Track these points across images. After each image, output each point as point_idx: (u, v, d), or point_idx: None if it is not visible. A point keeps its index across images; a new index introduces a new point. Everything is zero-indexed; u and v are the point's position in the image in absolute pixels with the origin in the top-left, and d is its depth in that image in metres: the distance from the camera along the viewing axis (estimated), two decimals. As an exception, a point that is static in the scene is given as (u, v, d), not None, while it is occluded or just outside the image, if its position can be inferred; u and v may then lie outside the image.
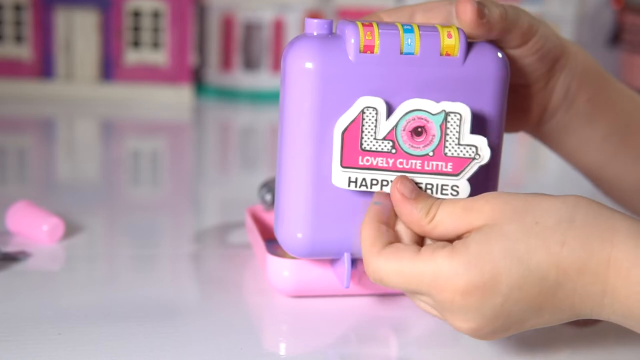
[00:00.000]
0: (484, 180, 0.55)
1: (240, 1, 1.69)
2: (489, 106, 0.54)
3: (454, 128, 0.52)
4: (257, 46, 1.72)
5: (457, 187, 0.52)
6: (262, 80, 1.71)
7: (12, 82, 1.56)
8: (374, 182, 0.53)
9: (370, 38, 0.52)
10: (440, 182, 0.52)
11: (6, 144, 1.23)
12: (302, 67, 0.52)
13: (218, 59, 1.71)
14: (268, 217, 0.71)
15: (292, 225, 0.55)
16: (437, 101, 0.52)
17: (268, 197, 0.70)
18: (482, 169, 0.53)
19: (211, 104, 1.65)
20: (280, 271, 0.59)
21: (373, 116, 0.52)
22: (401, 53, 0.53)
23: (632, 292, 0.45)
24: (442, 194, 0.52)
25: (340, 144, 0.52)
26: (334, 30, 0.55)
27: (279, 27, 1.69)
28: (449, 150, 0.52)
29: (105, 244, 0.75)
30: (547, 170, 1.22)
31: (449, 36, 0.53)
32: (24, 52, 1.57)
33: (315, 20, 0.54)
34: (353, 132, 0.52)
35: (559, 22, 1.70)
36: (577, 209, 0.47)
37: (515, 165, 1.29)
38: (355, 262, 0.56)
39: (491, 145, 0.53)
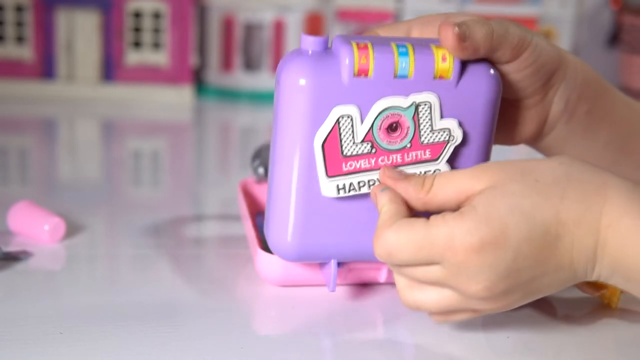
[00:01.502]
0: None
1: (241, 2, 1.69)
2: (480, 122, 0.55)
3: (426, 117, 0.54)
4: (258, 47, 1.72)
5: (439, 170, 0.55)
6: (262, 80, 1.71)
7: (13, 82, 1.56)
8: (362, 183, 0.54)
9: (365, 62, 0.53)
10: (422, 169, 0.55)
11: (8, 144, 1.23)
12: (296, 84, 0.53)
13: (218, 60, 1.72)
14: (258, 190, 0.72)
15: (282, 230, 0.56)
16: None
17: (261, 169, 0.71)
18: None
19: (211, 104, 1.65)
20: (269, 263, 0.61)
21: (349, 123, 0.53)
22: (395, 77, 0.53)
23: (620, 242, 0.48)
24: None
25: (322, 155, 0.54)
26: (329, 45, 0.55)
27: (279, 28, 1.69)
28: (425, 138, 0.54)
29: (106, 243, 0.75)
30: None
31: (444, 59, 0.54)
32: (25, 52, 1.57)
33: (311, 38, 0.54)
34: (332, 142, 0.53)
35: (558, 23, 1.70)
36: (572, 167, 0.50)
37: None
38: (341, 265, 0.58)
39: (480, 157, 0.56)
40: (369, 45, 0.53)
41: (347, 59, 0.53)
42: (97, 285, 0.62)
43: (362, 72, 0.53)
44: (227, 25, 1.71)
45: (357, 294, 0.61)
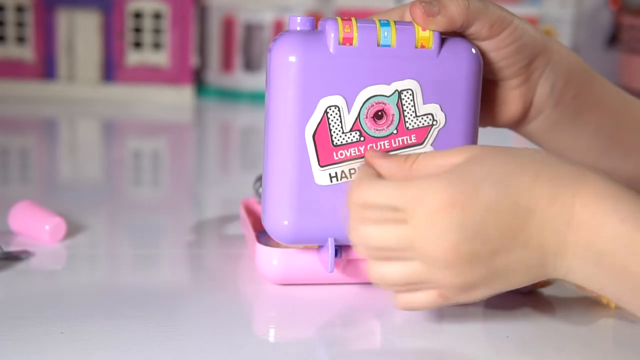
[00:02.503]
0: None
1: (241, 2, 1.69)
2: (463, 103, 0.57)
3: (409, 103, 0.57)
4: (258, 47, 1.72)
5: None
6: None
7: (14, 83, 1.57)
8: (352, 171, 0.57)
9: (349, 31, 0.56)
10: (409, 154, 0.56)
11: (8, 144, 1.23)
12: (286, 59, 0.55)
13: (219, 60, 1.72)
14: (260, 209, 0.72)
15: (278, 213, 0.57)
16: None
17: (262, 189, 0.71)
18: None
19: (212, 104, 1.65)
20: (269, 260, 0.61)
21: (336, 113, 0.56)
22: (378, 45, 0.56)
23: (595, 223, 0.47)
24: None
25: (314, 146, 0.56)
26: (316, 28, 0.58)
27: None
28: (410, 124, 0.57)
29: (107, 243, 0.76)
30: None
31: (424, 29, 0.56)
32: (26, 53, 1.57)
33: (298, 18, 0.57)
34: (322, 133, 0.56)
35: (558, 23, 1.70)
36: (550, 156, 0.50)
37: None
38: (339, 250, 0.58)
39: (467, 135, 0.57)
40: (353, 19, 0.57)
41: (332, 31, 0.55)
42: (98, 285, 0.63)
43: (347, 41, 0.55)
44: (227, 26, 1.71)
45: (355, 294, 0.61)
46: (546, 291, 0.63)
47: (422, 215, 0.48)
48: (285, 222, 0.57)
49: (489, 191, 0.48)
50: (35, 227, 0.70)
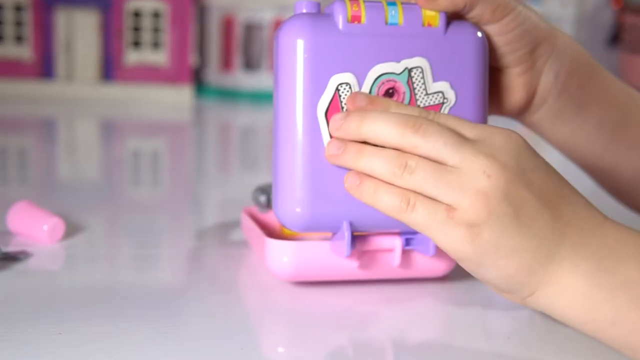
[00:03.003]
0: None
1: (241, 2, 1.69)
2: (472, 82, 0.58)
3: (420, 81, 0.57)
4: (257, 46, 1.72)
5: None
6: (262, 80, 1.71)
7: (12, 82, 1.56)
8: None
9: (357, 9, 0.56)
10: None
11: (7, 144, 1.23)
12: (294, 41, 0.55)
13: (218, 59, 1.72)
14: (263, 218, 0.71)
15: (290, 199, 0.56)
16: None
17: (262, 198, 0.71)
18: None
19: (211, 104, 1.65)
20: (280, 255, 0.60)
21: (348, 91, 0.56)
22: (386, 23, 0.56)
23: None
24: None
25: (327, 124, 0.55)
26: (322, 10, 0.58)
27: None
28: (421, 102, 0.57)
29: (106, 243, 0.75)
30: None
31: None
32: (25, 52, 1.57)
33: (304, 2, 0.57)
34: (334, 110, 0.56)
35: (559, 22, 1.70)
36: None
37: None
38: (354, 240, 0.57)
39: (477, 114, 0.58)
40: (360, 0, 0.57)
41: (340, 10, 0.56)
42: (97, 286, 0.62)
43: (355, 19, 0.56)
44: (227, 25, 1.71)
45: (360, 296, 0.61)
46: (550, 292, 0.62)
47: (495, 131, 0.50)
48: (298, 209, 0.56)
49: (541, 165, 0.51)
50: (34, 227, 0.70)
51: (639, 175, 0.66)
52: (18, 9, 1.56)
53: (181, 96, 1.61)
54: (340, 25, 0.56)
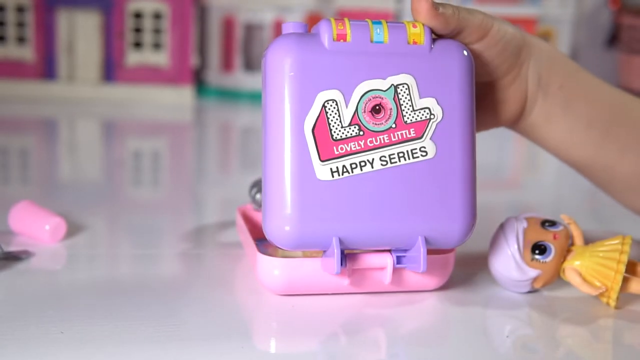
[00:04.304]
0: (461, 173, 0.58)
1: (241, 2, 1.69)
2: (458, 99, 0.58)
3: (406, 97, 0.57)
4: (258, 47, 1.73)
5: (425, 147, 0.57)
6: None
7: (14, 83, 1.57)
8: (353, 165, 0.56)
9: (342, 28, 0.57)
10: (409, 148, 0.57)
11: (9, 144, 1.23)
12: (281, 59, 0.56)
13: (219, 60, 1.72)
14: (258, 216, 0.71)
15: (279, 217, 0.56)
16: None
17: (259, 196, 0.70)
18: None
19: (212, 104, 1.65)
20: (271, 270, 0.59)
21: (334, 107, 0.56)
22: (371, 41, 0.57)
23: None
24: (413, 157, 0.57)
25: (314, 140, 0.56)
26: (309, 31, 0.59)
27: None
28: (408, 118, 0.57)
29: (107, 243, 0.76)
30: (546, 170, 1.23)
31: (414, 26, 0.58)
32: (27, 53, 1.57)
33: (291, 24, 0.58)
34: (321, 127, 0.56)
35: (557, 23, 1.70)
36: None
37: (515, 166, 1.30)
38: (344, 258, 0.57)
39: (465, 129, 0.58)
40: (346, 19, 0.58)
41: (326, 29, 0.56)
42: (98, 285, 0.63)
43: (341, 37, 0.56)
44: (227, 26, 1.71)
45: (358, 302, 0.61)
46: (546, 291, 0.63)
47: None
48: (287, 228, 0.56)
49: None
50: (36, 227, 0.70)
51: (633, 176, 0.67)
52: (20, 10, 1.57)
53: (182, 97, 1.61)
54: (326, 43, 0.56)
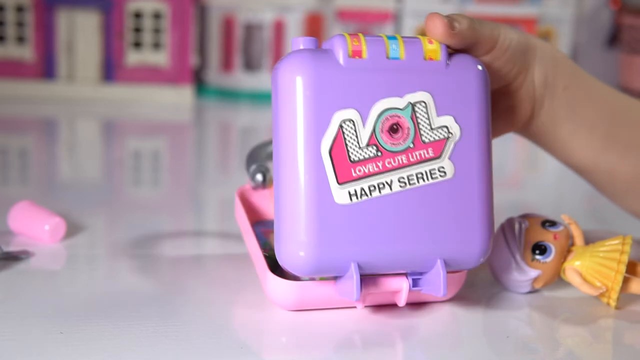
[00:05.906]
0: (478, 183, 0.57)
1: (241, 2, 1.69)
2: (475, 116, 0.56)
3: (423, 116, 0.55)
4: (258, 47, 1.73)
5: (443, 167, 0.55)
6: (262, 80, 1.72)
7: (14, 82, 1.57)
8: (372, 187, 0.54)
9: (357, 44, 0.54)
10: (427, 168, 0.55)
11: (8, 144, 1.23)
12: (294, 77, 0.53)
13: (218, 60, 1.72)
14: (256, 197, 0.69)
15: (293, 243, 0.54)
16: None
17: (259, 176, 0.68)
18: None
19: (212, 104, 1.65)
20: (282, 291, 0.57)
21: (352, 127, 0.54)
22: (387, 57, 0.55)
23: None
24: (432, 178, 0.55)
25: (331, 162, 0.53)
26: (319, 45, 0.56)
27: (279, 28, 1.70)
28: (426, 137, 0.55)
29: (107, 243, 0.76)
30: (547, 170, 1.23)
31: (430, 42, 0.56)
32: (26, 53, 1.57)
33: (301, 38, 0.55)
34: (339, 148, 0.54)
35: (558, 23, 1.70)
36: None
37: (515, 166, 1.30)
38: (361, 282, 0.55)
39: (482, 148, 0.56)
40: (360, 34, 0.56)
41: (341, 45, 0.54)
42: (98, 285, 0.63)
43: (356, 54, 0.54)
44: (227, 26, 1.71)
45: (370, 312, 0.61)
46: (546, 291, 0.63)
47: None
48: (302, 253, 0.53)
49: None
50: (35, 227, 0.70)
51: (634, 179, 0.67)
52: (19, 9, 1.56)
53: (181, 96, 1.61)
54: (341, 60, 0.54)
